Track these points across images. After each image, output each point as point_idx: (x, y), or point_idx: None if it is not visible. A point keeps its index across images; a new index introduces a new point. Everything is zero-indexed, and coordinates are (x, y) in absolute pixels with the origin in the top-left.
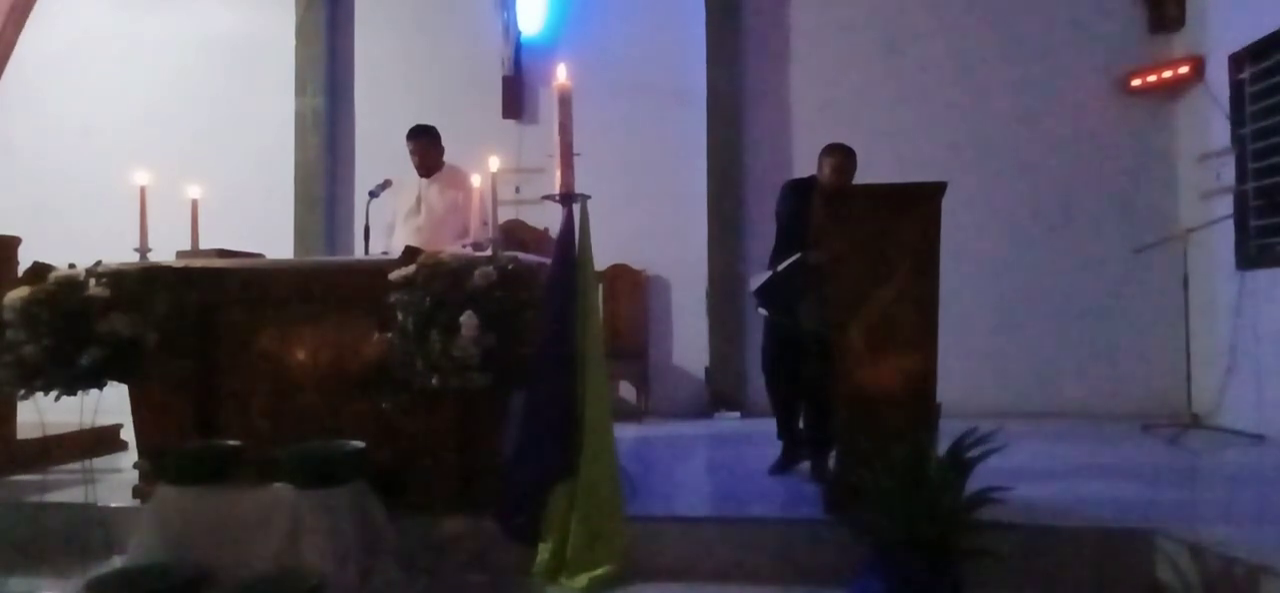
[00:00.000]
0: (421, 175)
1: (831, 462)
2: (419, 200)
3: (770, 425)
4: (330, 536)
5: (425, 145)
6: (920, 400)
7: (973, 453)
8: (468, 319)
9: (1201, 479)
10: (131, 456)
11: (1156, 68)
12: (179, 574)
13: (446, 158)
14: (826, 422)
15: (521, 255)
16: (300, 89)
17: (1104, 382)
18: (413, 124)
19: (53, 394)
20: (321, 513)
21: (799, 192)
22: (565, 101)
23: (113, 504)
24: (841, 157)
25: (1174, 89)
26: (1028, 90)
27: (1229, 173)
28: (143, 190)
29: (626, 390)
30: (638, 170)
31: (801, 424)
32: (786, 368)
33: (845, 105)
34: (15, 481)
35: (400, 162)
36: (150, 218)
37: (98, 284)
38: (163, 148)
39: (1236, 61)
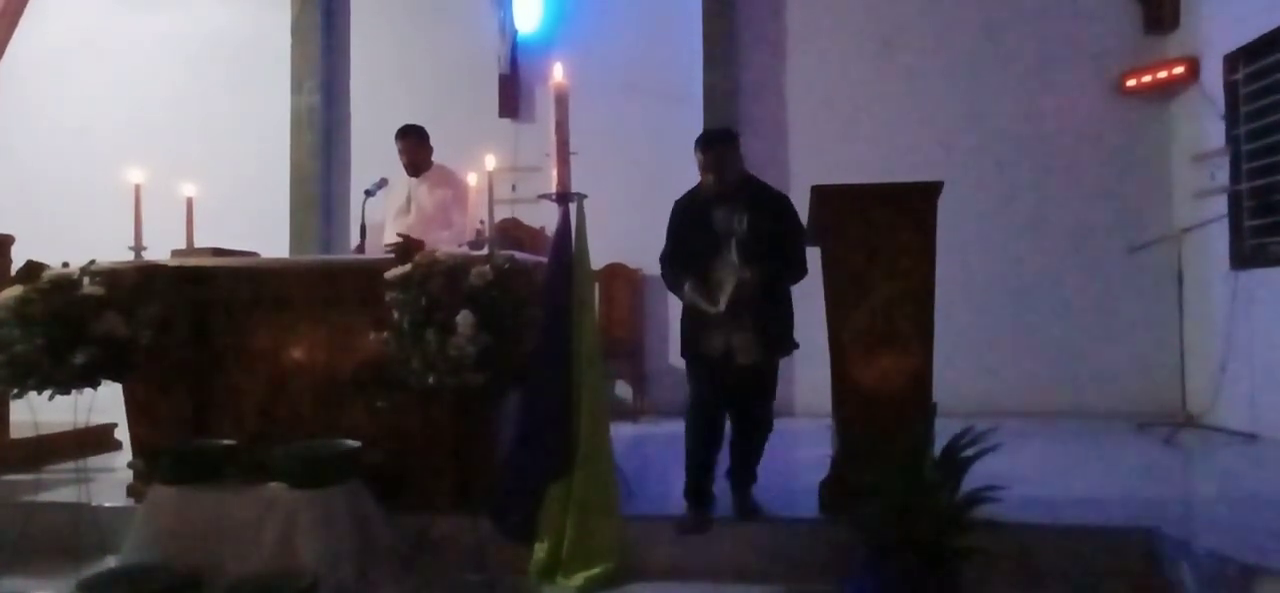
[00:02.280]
0: (410, 174)
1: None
2: (409, 199)
3: None
4: (325, 535)
5: (413, 144)
6: (916, 400)
7: (968, 452)
8: (464, 318)
9: (1195, 478)
10: (125, 455)
11: (1151, 68)
12: (173, 574)
13: (443, 157)
14: (753, 458)
15: (518, 254)
16: (296, 87)
17: (1099, 381)
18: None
19: (46, 393)
20: (316, 513)
21: (685, 207)
22: (562, 100)
23: (107, 504)
24: (705, 153)
25: (1169, 89)
26: (1023, 90)
27: (1223, 173)
28: (137, 189)
29: (622, 389)
30: (634, 169)
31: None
32: (719, 414)
33: (841, 105)
34: (9, 480)
35: (396, 160)
36: (145, 216)
37: (92, 283)
38: (157, 146)
39: (1231, 62)
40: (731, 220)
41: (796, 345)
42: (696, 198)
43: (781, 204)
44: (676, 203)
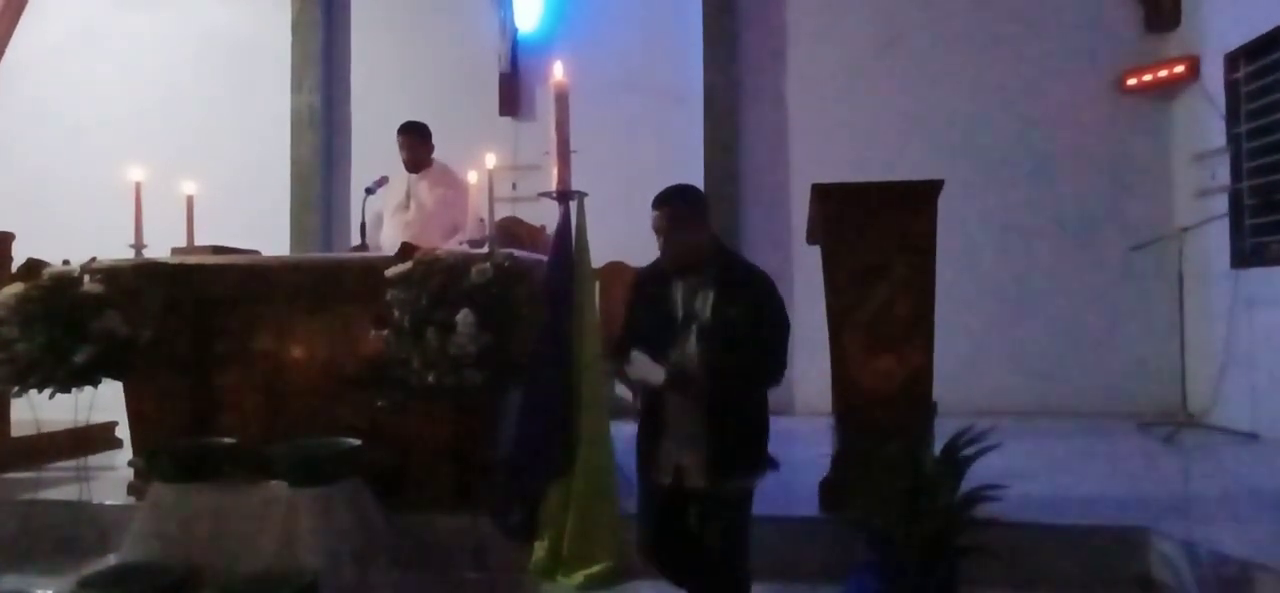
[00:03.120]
0: (409, 170)
1: None
2: (408, 196)
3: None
4: (325, 533)
5: (415, 141)
6: (916, 399)
7: (968, 451)
8: (464, 317)
9: (1195, 477)
10: (126, 453)
11: (1152, 67)
12: (173, 572)
13: (444, 155)
14: None
15: (518, 253)
16: (296, 86)
17: (1099, 380)
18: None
19: (47, 391)
20: (317, 511)
21: (644, 281)
22: (562, 99)
23: (107, 502)
24: (658, 211)
25: (1169, 88)
26: (1023, 89)
27: (1224, 172)
28: (138, 187)
29: (622, 388)
30: (634, 168)
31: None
32: (676, 540)
33: (841, 104)
34: (9, 478)
35: (396, 159)
36: (145, 215)
37: (92, 281)
38: (158, 144)
39: (1232, 61)
40: (693, 301)
41: (776, 465)
42: (656, 271)
43: (758, 284)
44: (637, 274)
